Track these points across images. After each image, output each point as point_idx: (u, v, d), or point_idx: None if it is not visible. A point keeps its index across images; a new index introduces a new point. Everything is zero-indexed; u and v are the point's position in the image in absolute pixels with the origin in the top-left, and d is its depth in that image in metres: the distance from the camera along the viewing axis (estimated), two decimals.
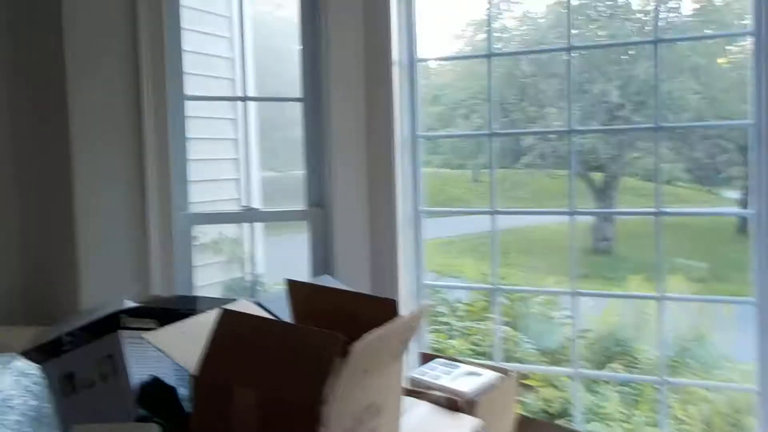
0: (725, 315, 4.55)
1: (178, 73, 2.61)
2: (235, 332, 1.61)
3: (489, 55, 2.74)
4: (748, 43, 2.33)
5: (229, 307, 1.86)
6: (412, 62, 2.78)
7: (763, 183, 2.26)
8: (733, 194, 9.12)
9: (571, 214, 2.65)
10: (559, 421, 3.78)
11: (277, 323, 1.73)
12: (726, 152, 8.98)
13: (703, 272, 6.33)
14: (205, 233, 3.75)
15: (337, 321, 1.60)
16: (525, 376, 3.82)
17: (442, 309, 4.68)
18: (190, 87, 2.69)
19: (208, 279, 3.66)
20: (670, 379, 2.53)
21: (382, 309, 1.73)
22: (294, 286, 1.90)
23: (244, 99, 2.76)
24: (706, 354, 4.39)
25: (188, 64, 2.68)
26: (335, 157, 2.68)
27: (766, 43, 2.24)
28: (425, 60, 2.86)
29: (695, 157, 9.30)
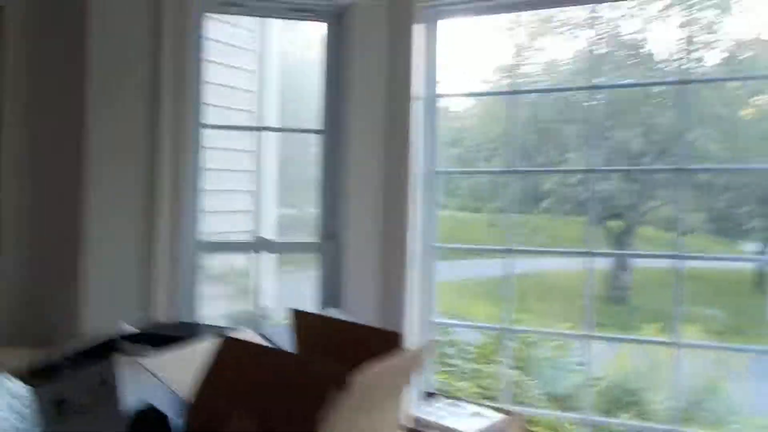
0: (740, 368, 4.43)
1: (198, 102, 2.62)
2: (234, 360, 1.57)
3: (514, 92, 2.73)
4: None
5: (230, 335, 1.83)
6: (432, 98, 2.77)
7: None
8: (755, 247, 8.98)
9: (589, 255, 2.59)
10: None
11: (277, 352, 1.69)
12: (748, 203, 8.87)
13: (720, 323, 6.20)
14: (214, 264, 3.72)
15: (340, 352, 1.56)
16: (531, 420, 3.71)
17: (450, 351, 4.60)
18: (210, 117, 2.69)
19: (214, 310, 3.61)
20: (681, 430, 2.44)
21: (387, 342, 1.69)
22: (298, 316, 1.86)
23: (262, 129, 2.75)
24: (719, 406, 4.26)
25: (210, 95, 2.69)
26: (351, 190, 2.66)
27: None
28: (445, 95, 2.85)
29: (717, 208, 9.19)
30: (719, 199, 9.04)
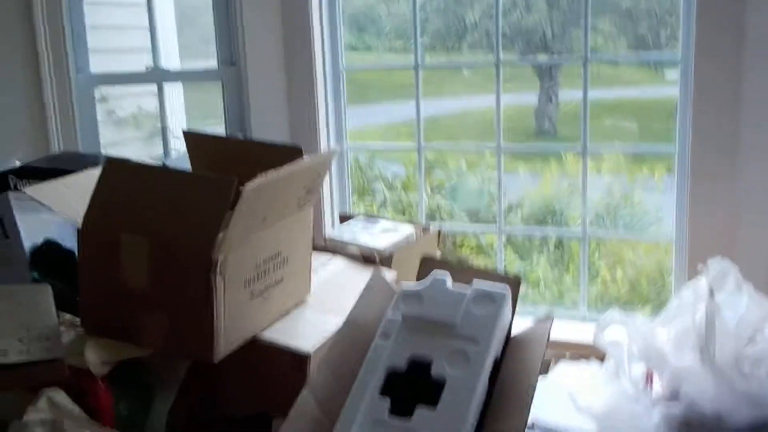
0: (656, 183, 4.62)
1: None
2: (122, 181, 1.50)
3: None
4: None
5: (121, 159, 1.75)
6: None
7: (691, 27, 2.18)
8: (676, 74, 9.12)
9: (497, 65, 2.54)
10: None
11: (165, 170, 1.63)
12: (669, 27, 8.91)
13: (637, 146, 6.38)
14: (121, 107, 3.57)
15: (239, 170, 1.49)
16: (453, 238, 3.82)
17: (378, 186, 4.64)
18: None
19: (128, 155, 3.50)
20: (592, 232, 2.52)
21: (288, 156, 1.63)
22: (192, 138, 1.78)
23: None
24: (635, 222, 4.47)
25: None
26: (246, 10, 2.50)
27: None
28: None
29: (639, 33, 9.21)
30: (641, 24, 9.06)
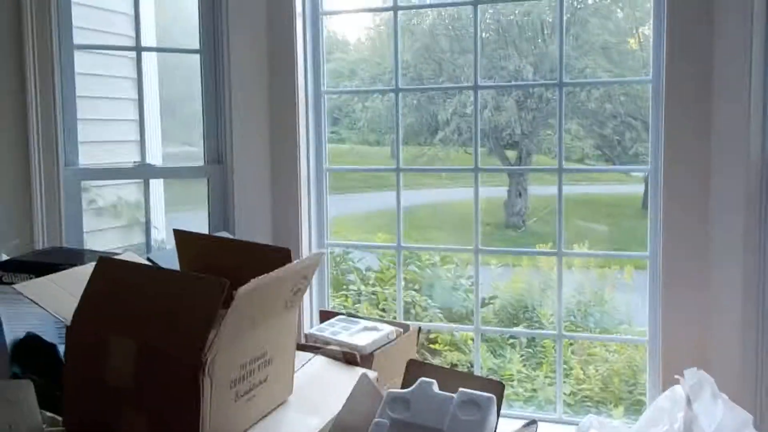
0: (626, 280, 4.70)
1: (67, 22, 2.48)
2: (113, 280, 1.52)
3: (394, 9, 2.69)
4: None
5: (108, 256, 1.77)
6: (316, 14, 2.71)
7: (660, 139, 2.29)
8: (641, 173, 9.42)
9: (476, 171, 2.64)
10: None
11: (157, 270, 1.65)
12: (634, 129, 9.25)
13: (605, 241, 6.54)
14: (102, 197, 3.60)
15: (227, 270, 1.53)
16: (427, 333, 3.84)
17: (350, 277, 4.67)
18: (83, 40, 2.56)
19: (107, 245, 3.51)
20: (566, 333, 2.56)
21: (275, 258, 1.67)
22: (182, 237, 1.82)
23: (138, 49, 2.62)
24: (605, 319, 4.53)
25: (81, 18, 2.55)
26: (235, 112, 2.59)
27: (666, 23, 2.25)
28: (330, 13, 2.80)
29: (604, 135, 9.55)
30: (607, 126, 9.40)
